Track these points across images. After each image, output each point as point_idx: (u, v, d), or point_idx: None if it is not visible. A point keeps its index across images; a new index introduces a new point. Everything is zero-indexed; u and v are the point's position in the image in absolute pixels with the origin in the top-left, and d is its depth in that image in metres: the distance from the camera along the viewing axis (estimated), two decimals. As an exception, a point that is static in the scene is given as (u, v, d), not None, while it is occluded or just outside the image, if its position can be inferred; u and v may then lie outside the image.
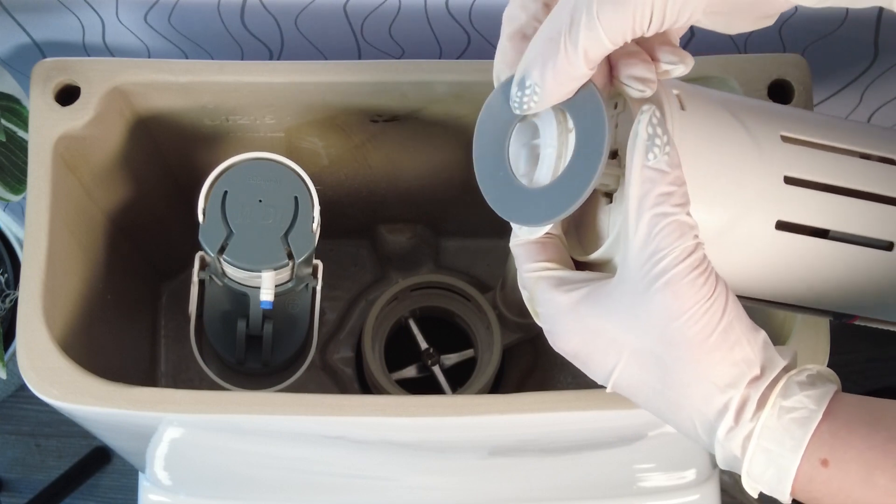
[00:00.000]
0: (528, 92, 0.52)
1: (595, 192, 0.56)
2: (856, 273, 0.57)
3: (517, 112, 0.53)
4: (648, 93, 0.52)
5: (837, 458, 0.49)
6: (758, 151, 0.54)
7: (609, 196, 0.57)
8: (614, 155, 0.57)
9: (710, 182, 0.53)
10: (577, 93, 0.52)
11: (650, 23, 0.49)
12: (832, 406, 0.50)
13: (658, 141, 0.50)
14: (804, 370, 0.51)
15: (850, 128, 0.58)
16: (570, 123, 0.53)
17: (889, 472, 0.48)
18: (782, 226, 0.54)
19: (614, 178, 0.55)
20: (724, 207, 0.54)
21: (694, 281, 0.49)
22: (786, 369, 0.51)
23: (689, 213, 0.50)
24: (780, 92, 0.72)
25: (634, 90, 0.52)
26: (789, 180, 0.54)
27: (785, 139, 0.55)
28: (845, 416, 0.49)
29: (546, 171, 0.54)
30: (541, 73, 0.51)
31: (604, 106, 0.52)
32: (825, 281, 0.57)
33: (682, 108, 0.54)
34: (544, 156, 0.54)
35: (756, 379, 0.50)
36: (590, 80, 0.52)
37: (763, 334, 0.52)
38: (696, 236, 0.50)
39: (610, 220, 0.57)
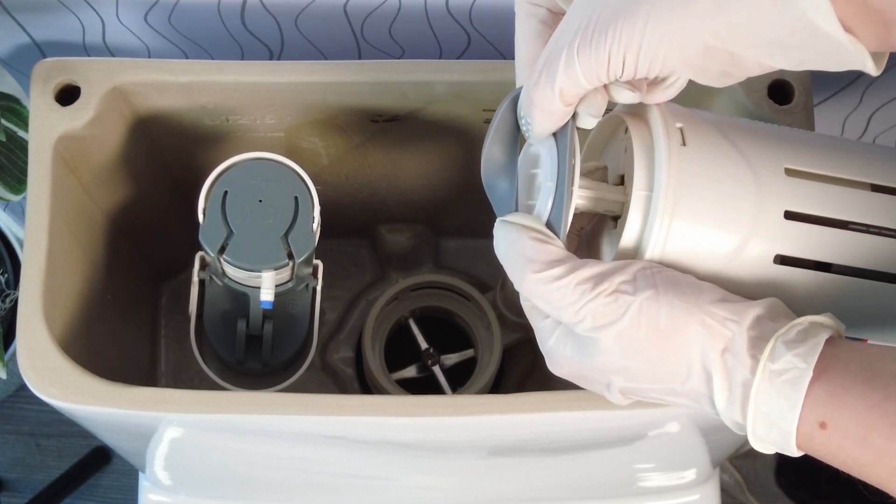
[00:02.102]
0: (524, 122, 0.55)
1: (602, 216, 0.57)
2: (861, 304, 0.56)
3: (526, 137, 0.56)
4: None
5: (835, 419, 0.49)
6: (757, 187, 0.53)
7: (616, 220, 0.57)
8: (622, 181, 0.57)
9: (710, 215, 0.53)
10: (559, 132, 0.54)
11: (623, 69, 0.51)
12: (826, 362, 0.50)
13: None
14: (794, 326, 0.51)
15: (861, 155, 0.56)
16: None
17: (885, 432, 0.48)
18: (781, 259, 0.54)
19: (618, 205, 0.56)
20: (726, 237, 0.54)
21: (607, 304, 0.52)
22: (766, 318, 0.51)
23: (559, 261, 0.53)
24: (780, 92, 0.72)
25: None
26: (790, 215, 0.54)
27: (789, 172, 0.54)
28: (841, 375, 0.49)
29: (543, 204, 0.55)
30: (528, 107, 0.54)
31: (568, 152, 0.54)
32: (829, 311, 0.57)
33: (684, 142, 0.53)
34: (543, 188, 0.55)
35: (728, 349, 0.51)
36: (569, 121, 0.54)
37: (728, 301, 0.52)
38: (565, 272, 0.52)
39: (611, 243, 0.57)
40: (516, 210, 0.58)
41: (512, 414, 0.65)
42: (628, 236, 0.54)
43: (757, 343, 0.50)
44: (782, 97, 0.72)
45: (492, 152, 0.59)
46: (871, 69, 0.49)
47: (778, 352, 0.50)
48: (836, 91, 0.90)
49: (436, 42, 0.83)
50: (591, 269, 0.52)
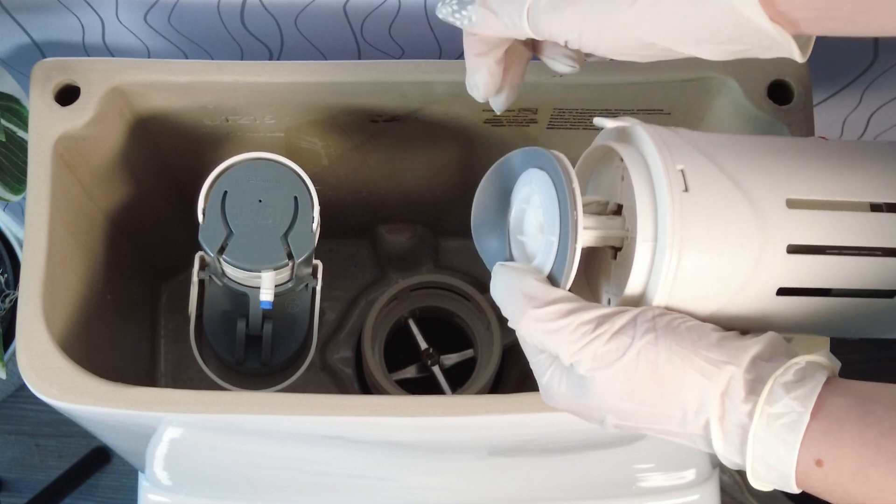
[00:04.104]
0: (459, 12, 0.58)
1: (603, 248, 0.57)
2: (857, 321, 0.57)
3: (442, 15, 0.58)
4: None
5: (831, 457, 0.49)
6: (760, 227, 0.53)
7: (615, 250, 0.57)
8: (619, 208, 0.57)
9: (714, 262, 0.53)
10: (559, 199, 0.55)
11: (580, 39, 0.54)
12: (822, 401, 0.49)
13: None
14: (791, 366, 0.51)
15: (860, 168, 0.56)
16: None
17: (882, 467, 0.48)
18: (783, 291, 0.54)
19: (618, 239, 0.56)
20: (730, 281, 0.53)
21: (606, 347, 0.52)
22: (763, 358, 0.51)
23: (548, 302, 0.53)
24: (780, 92, 0.72)
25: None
26: (792, 249, 0.54)
27: (790, 203, 0.54)
28: (836, 412, 0.49)
29: (544, 257, 0.55)
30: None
31: (570, 206, 0.54)
32: (828, 327, 0.57)
33: (686, 188, 0.53)
34: (545, 242, 0.55)
35: (725, 393, 0.51)
36: (571, 173, 0.55)
37: (726, 342, 0.52)
38: (566, 311, 0.53)
39: (612, 276, 0.57)
40: (510, 258, 0.58)
41: (511, 414, 0.65)
42: (634, 285, 0.54)
43: (754, 386, 0.50)
44: (782, 97, 0.72)
45: (481, 210, 0.59)
46: (798, 56, 0.51)
47: (776, 395, 0.50)
48: (836, 91, 0.90)
49: (436, 42, 0.83)
50: (593, 311, 0.52)
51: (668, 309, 0.53)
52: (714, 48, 0.52)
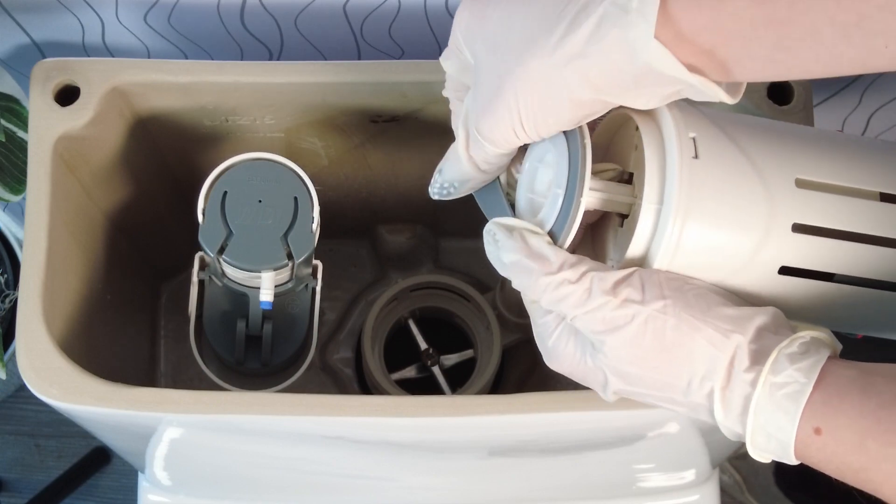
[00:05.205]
0: (444, 185, 0.61)
1: (610, 214, 0.57)
2: (860, 311, 0.57)
3: (436, 196, 0.62)
4: None
5: (830, 426, 0.49)
6: (768, 201, 0.53)
7: (622, 217, 0.57)
8: (630, 177, 0.57)
9: (720, 231, 0.53)
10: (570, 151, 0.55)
11: (524, 130, 0.54)
12: (824, 373, 0.50)
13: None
14: (796, 339, 0.51)
15: (871, 159, 0.56)
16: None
17: (880, 437, 0.48)
18: (785, 270, 0.54)
19: (626, 205, 0.56)
20: (734, 252, 0.54)
21: (616, 311, 0.52)
22: (768, 330, 0.51)
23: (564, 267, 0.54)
24: (779, 92, 0.72)
25: None
26: (797, 227, 0.54)
27: (800, 183, 0.54)
28: (837, 384, 0.50)
29: (549, 211, 0.55)
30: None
31: (580, 159, 0.54)
32: (829, 316, 0.57)
33: (696, 155, 0.53)
34: (551, 195, 0.55)
35: (731, 363, 0.51)
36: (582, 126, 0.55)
37: (733, 310, 0.52)
38: (578, 275, 0.53)
39: (616, 242, 0.57)
40: (512, 214, 0.58)
41: (511, 414, 0.65)
42: (636, 247, 0.54)
43: (758, 356, 0.51)
44: (782, 97, 0.72)
45: None
46: (726, 99, 0.51)
47: (780, 364, 0.50)
48: (836, 91, 0.90)
49: (435, 42, 0.83)
50: (603, 273, 0.53)
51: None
52: (644, 96, 0.52)
